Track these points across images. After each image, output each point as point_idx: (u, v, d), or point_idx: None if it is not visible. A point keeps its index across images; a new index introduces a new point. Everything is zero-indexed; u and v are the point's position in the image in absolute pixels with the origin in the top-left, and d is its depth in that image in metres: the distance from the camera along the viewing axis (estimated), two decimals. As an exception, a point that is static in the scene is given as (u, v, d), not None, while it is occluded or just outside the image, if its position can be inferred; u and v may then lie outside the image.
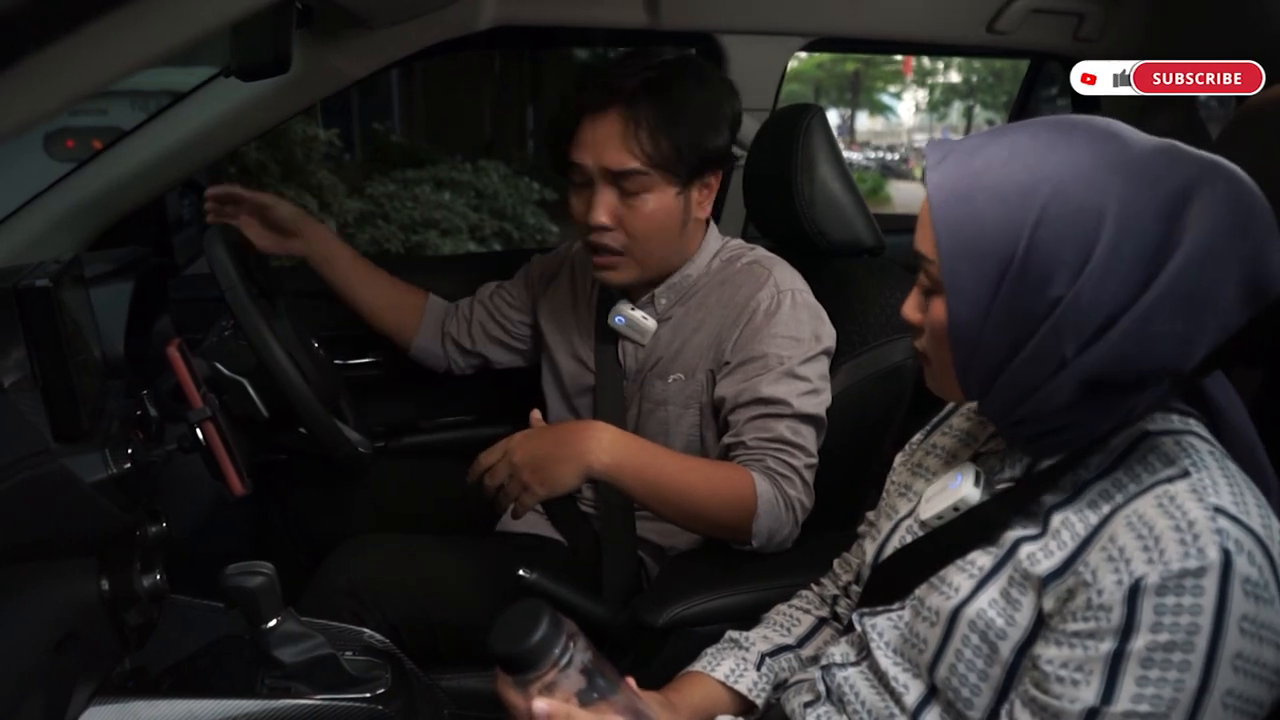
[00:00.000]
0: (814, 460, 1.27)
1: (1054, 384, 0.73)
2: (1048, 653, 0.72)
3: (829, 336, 1.33)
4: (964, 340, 0.76)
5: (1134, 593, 0.68)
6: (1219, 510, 0.68)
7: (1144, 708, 0.67)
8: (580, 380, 1.48)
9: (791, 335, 1.29)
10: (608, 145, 1.26)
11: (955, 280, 0.74)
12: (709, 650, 1.05)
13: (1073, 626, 0.71)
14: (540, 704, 0.78)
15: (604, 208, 1.28)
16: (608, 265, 1.33)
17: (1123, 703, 0.68)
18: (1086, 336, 0.71)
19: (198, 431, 1.05)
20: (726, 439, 1.31)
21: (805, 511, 1.26)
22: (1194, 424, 0.78)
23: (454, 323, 1.63)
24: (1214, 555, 0.66)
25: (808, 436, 1.27)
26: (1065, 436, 0.78)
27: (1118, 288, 0.70)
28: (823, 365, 1.32)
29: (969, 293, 0.74)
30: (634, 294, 1.42)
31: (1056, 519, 0.77)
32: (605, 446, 1.18)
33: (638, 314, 1.39)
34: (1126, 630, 0.68)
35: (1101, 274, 0.69)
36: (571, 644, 0.80)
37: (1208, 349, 0.72)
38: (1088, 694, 0.69)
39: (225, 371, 1.24)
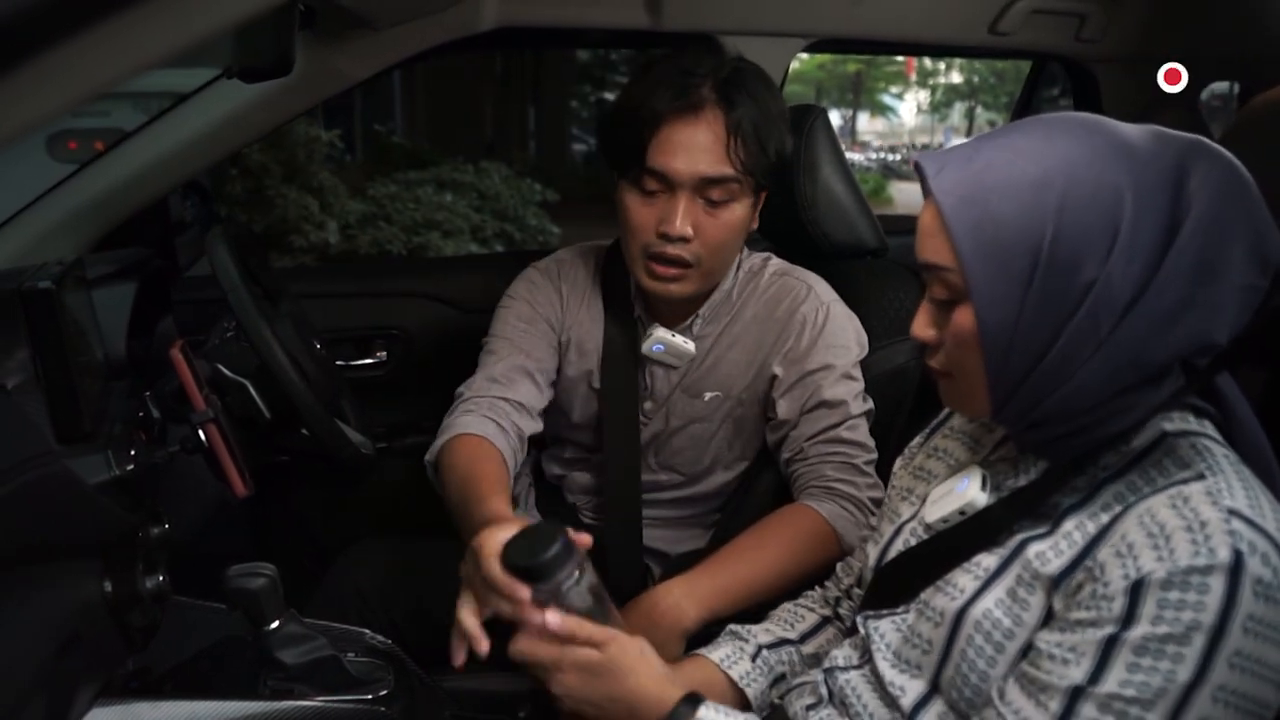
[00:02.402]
0: (873, 455, 1.29)
1: (1086, 370, 0.73)
2: (1046, 635, 0.73)
3: (866, 341, 1.36)
4: (997, 343, 0.75)
5: (1138, 585, 0.68)
6: (1234, 513, 0.69)
7: (1129, 692, 0.68)
8: (590, 406, 1.41)
9: (842, 344, 1.32)
10: (706, 151, 1.18)
11: (982, 283, 0.74)
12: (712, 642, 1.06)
13: (1075, 615, 0.72)
14: (552, 615, 0.83)
15: (686, 216, 1.20)
16: (672, 277, 1.25)
17: (1109, 685, 0.68)
18: (1118, 315, 0.71)
19: (200, 433, 1.05)
20: (786, 452, 1.31)
21: (875, 501, 1.25)
22: (1208, 425, 0.79)
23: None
24: (1225, 555, 0.66)
25: (863, 431, 1.30)
26: (1083, 438, 0.78)
27: (1143, 263, 0.71)
28: (860, 368, 1.34)
29: (998, 293, 0.73)
30: (671, 320, 1.35)
31: (1070, 521, 0.77)
32: (685, 605, 1.13)
33: (678, 339, 1.33)
34: (1126, 620, 0.68)
35: (1129, 250, 0.71)
36: (582, 567, 0.88)
37: (1236, 322, 0.73)
38: (1076, 673, 0.70)
39: (227, 373, 1.24)
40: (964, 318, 0.77)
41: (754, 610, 1.15)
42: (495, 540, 0.93)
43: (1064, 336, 0.73)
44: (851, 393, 1.30)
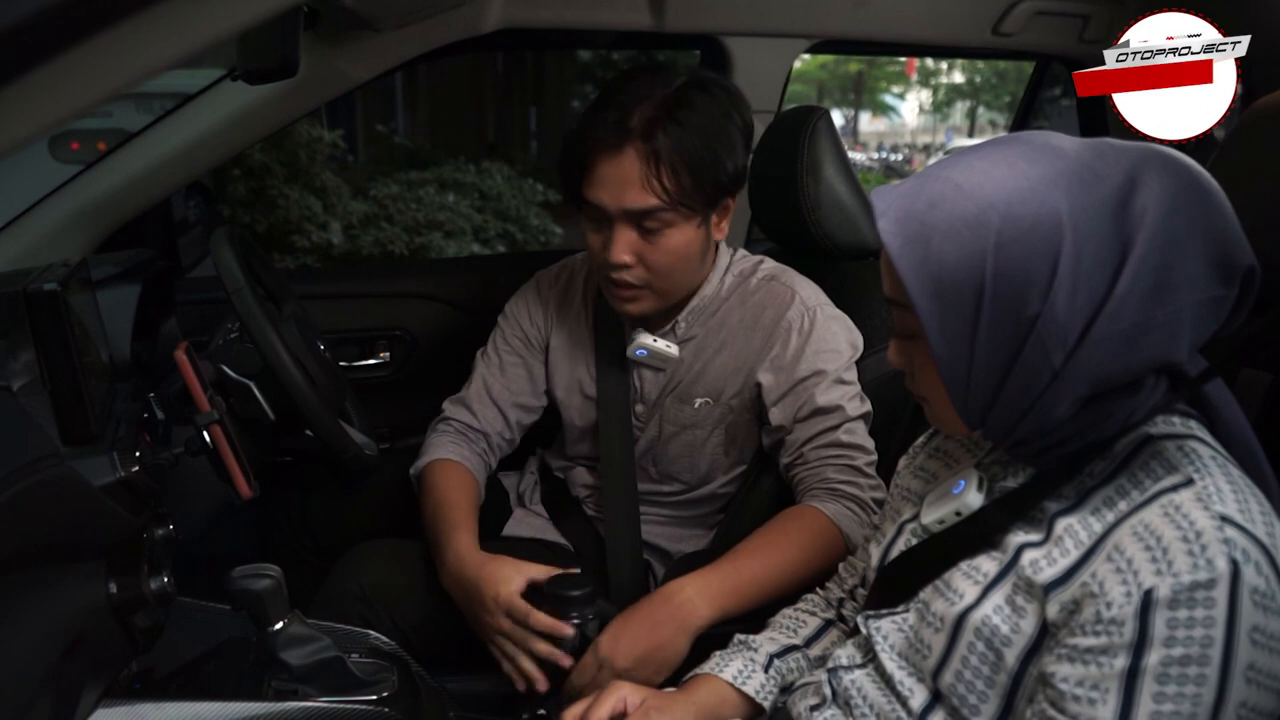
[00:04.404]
0: (873, 456, 1.29)
1: (1049, 397, 0.73)
2: (1061, 670, 0.72)
3: (860, 341, 1.35)
4: (954, 377, 0.76)
5: (1145, 606, 0.68)
6: (1225, 519, 0.68)
7: None
8: (587, 414, 1.44)
9: (832, 349, 1.31)
10: (627, 185, 1.20)
11: (931, 321, 0.74)
12: (718, 652, 1.06)
13: (1085, 642, 0.71)
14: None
15: (624, 246, 1.23)
16: (629, 298, 1.29)
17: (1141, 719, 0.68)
18: (1070, 344, 0.71)
19: (205, 434, 1.05)
20: (785, 457, 1.31)
21: (878, 502, 1.25)
22: (1195, 426, 0.78)
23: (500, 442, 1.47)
24: (1223, 566, 0.66)
25: (861, 433, 1.29)
26: (1066, 448, 0.78)
27: (1089, 291, 0.70)
28: (855, 370, 1.34)
29: (947, 331, 0.74)
30: (653, 324, 1.38)
31: (1060, 526, 0.77)
32: (698, 603, 1.13)
33: (660, 344, 1.35)
34: (1140, 645, 0.68)
35: (1070, 282, 0.70)
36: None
37: (1198, 335, 0.72)
38: (1105, 713, 0.69)
39: (232, 374, 1.24)
40: (924, 351, 0.79)
41: (762, 612, 1.15)
42: (518, 584, 1.15)
43: (1016, 369, 0.73)
44: (846, 396, 1.29)
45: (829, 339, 1.31)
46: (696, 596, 1.13)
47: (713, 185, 1.24)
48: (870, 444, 1.30)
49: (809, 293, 1.35)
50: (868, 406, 1.32)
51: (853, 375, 1.32)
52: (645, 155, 1.19)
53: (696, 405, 1.37)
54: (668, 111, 1.20)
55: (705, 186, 1.23)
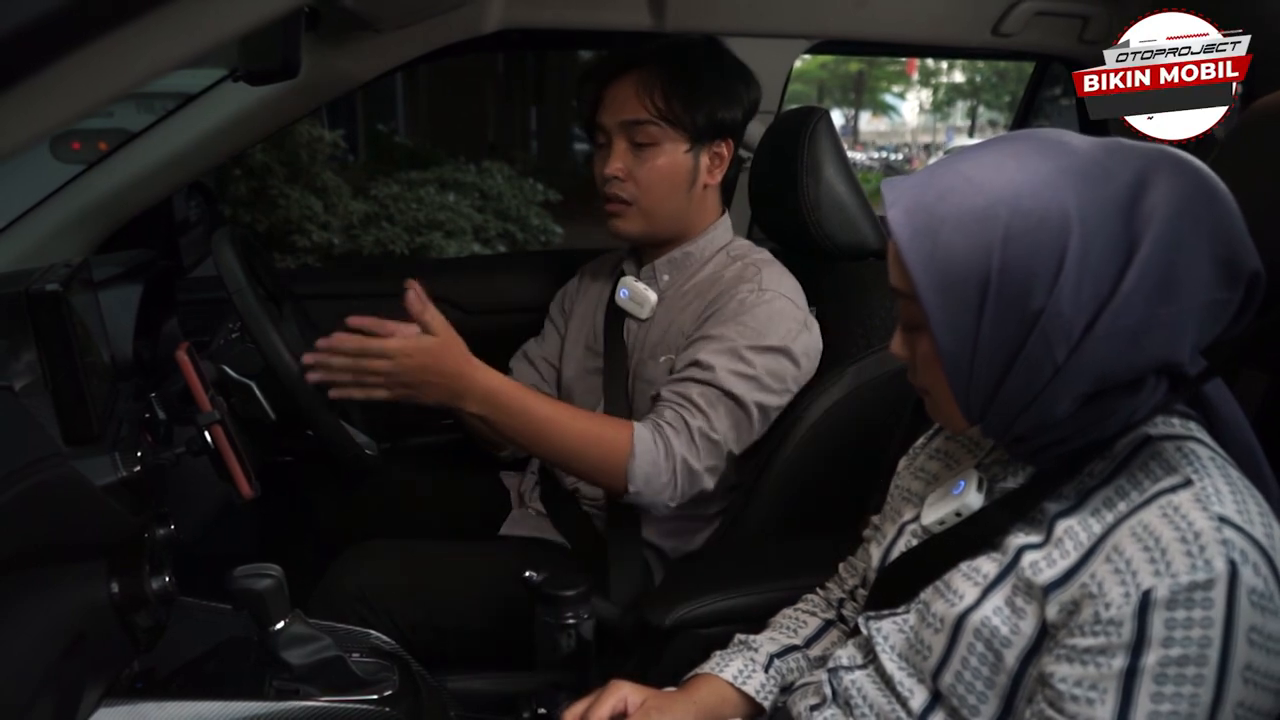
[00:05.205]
0: (715, 434, 1.28)
1: (1050, 392, 0.73)
2: (1060, 670, 0.72)
3: (801, 348, 1.33)
4: (957, 369, 0.76)
5: (1143, 607, 0.68)
6: (1224, 520, 0.69)
7: None
8: (586, 363, 1.50)
9: (753, 327, 1.30)
10: (625, 102, 1.37)
11: (937, 313, 0.74)
12: (718, 652, 1.06)
13: (1084, 642, 0.71)
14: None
15: (617, 158, 1.38)
16: (617, 214, 1.41)
17: None
18: (1074, 340, 0.71)
19: (206, 434, 1.05)
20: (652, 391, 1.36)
21: (690, 473, 1.27)
22: (1194, 427, 0.79)
23: None
24: (1221, 566, 0.67)
25: (718, 410, 1.28)
26: (1066, 446, 0.78)
27: (1094, 287, 0.70)
28: (777, 364, 1.31)
29: (952, 322, 0.74)
30: (639, 267, 1.49)
31: (1060, 527, 0.77)
32: (477, 394, 1.21)
33: (639, 285, 1.45)
34: (1138, 646, 0.68)
35: (1076, 278, 0.70)
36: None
37: (1201, 336, 0.73)
38: (1103, 713, 0.69)
39: (233, 374, 1.24)
40: (927, 343, 0.79)
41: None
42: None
43: (1019, 363, 0.73)
44: (726, 366, 1.27)
45: (757, 319, 1.31)
46: (482, 386, 1.21)
47: (706, 118, 1.37)
48: (719, 422, 1.28)
49: (774, 279, 1.37)
50: (746, 395, 1.28)
51: (759, 360, 1.29)
52: (644, 78, 1.37)
53: (661, 361, 1.40)
54: (670, 49, 1.40)
55: (696, 115, 1.37)
